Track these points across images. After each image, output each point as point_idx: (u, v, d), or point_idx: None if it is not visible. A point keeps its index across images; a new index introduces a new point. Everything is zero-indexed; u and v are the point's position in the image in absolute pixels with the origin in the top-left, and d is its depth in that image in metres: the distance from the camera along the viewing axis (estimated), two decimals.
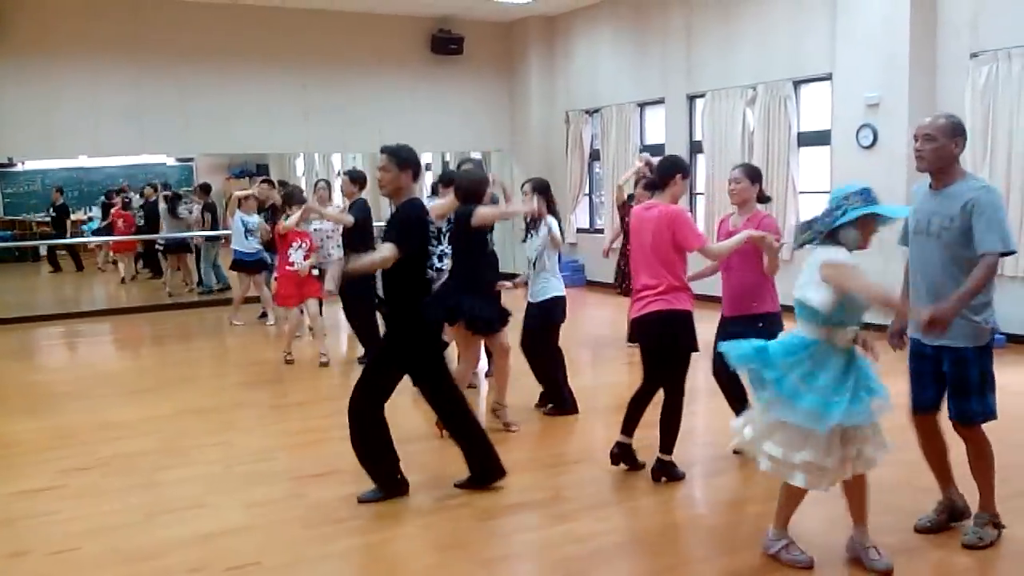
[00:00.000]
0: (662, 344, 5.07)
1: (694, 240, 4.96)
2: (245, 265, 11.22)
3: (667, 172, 5.16)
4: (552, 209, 6.63)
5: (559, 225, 6.58)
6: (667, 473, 5.12)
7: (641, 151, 11.50)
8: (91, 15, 12.20)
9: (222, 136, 13.39)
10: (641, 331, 5.20)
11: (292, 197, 8.94)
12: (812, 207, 10.76)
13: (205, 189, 14.81)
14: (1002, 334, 8.68)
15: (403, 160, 4.80)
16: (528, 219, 6.61)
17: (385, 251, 4.68)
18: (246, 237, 11.05)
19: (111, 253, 17.57)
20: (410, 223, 4.77)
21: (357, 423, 4.84)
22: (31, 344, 11.06)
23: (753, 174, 5.46)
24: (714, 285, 5.54)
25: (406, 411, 6.62)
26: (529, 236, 6.58)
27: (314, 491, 5.10)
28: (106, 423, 6.75)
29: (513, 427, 6.24)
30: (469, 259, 6.11)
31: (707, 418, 6.45)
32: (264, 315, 11.33)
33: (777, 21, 10.86)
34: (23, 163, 22.26)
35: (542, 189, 6.62)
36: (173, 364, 9.36)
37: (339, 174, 8.41)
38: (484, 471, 5.04)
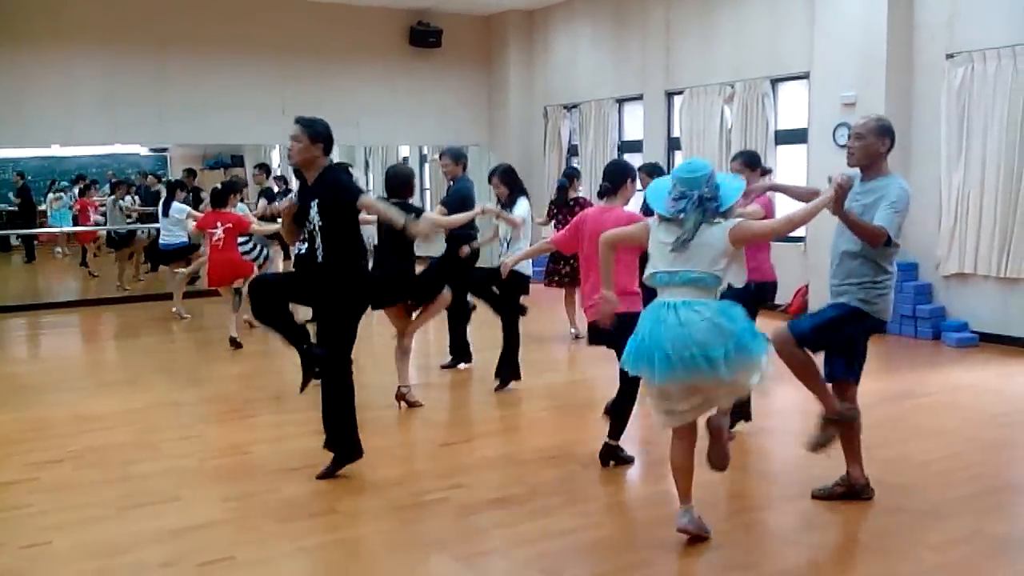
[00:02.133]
0: (618, 344, 5.14)
1: None
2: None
3: (618, 177, 5.37)
4: (522, 190, 7.25)
5: (528, 205, 7.21)
6: (614, 456, 5.30)
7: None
8: (64, 2, 12.03)
9: (197, 126, 13.23)
10: (604, 333, 5.22)
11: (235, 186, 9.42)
12: (788, 205, 10.84)
13: (191, 174, 14.72)
14: (974, 333, 8.79)
15: (316, 133, 4.90)
16: (500, 200, 7.20)
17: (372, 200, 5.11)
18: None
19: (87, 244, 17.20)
20: (345, 183, 5.00)
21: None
22: (2, 335, 10.90)
23: (751, 162, 5.94)
24: None
25: (382, 404, 6.59)
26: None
27: (288, 486, 5.06)
28: (78, 416, 6.67)
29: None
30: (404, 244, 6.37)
31: None
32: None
33: (756, 19, 10.89)
34: None
35: (508, 174, 7.29)
36: (146, 356, 9.26)
37: (439, 155, 8.18)
38: (347, 451, 5.11)
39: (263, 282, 5.30)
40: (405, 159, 18.42)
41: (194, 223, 10.01)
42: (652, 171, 8.67)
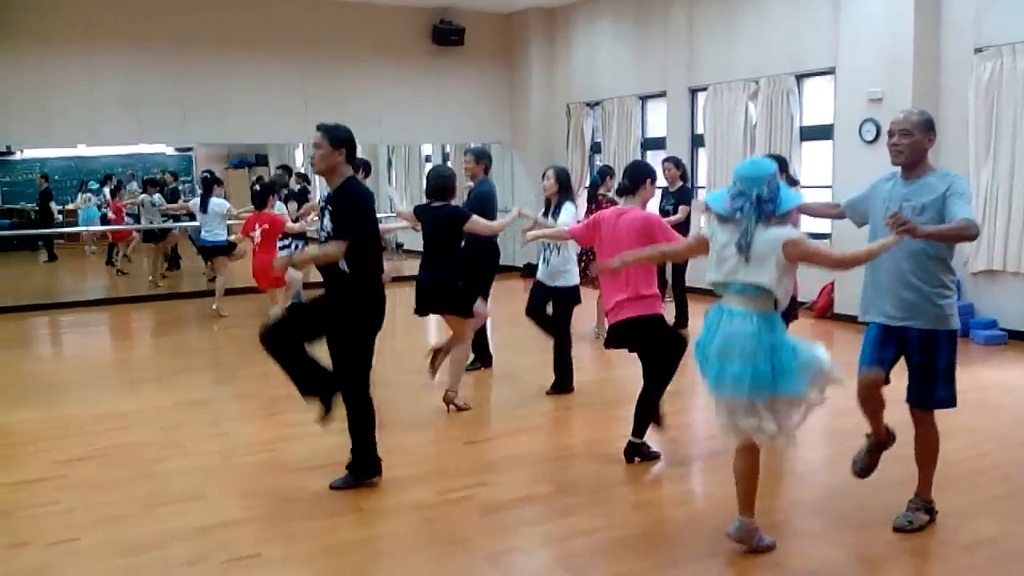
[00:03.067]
0: (642, 347, 5.27)
1: (674, 240, 5.16)
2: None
3: (638, 177, 5.35)
4: (571, 196, 7.15)
5: (575, 212, 7.06)
6: (639, 453, 5.30)
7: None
8: (88, 2, 12.13)
9: (221, 126, 13.31)
10: (624, 337, 5.28)
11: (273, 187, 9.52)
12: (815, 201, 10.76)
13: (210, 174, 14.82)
14: (1003, 331, 8.68)
15: (337, 138, 4.83)
16: (547, 196, 7.14)
17: (330, 248, 4.76)
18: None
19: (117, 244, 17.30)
20: (353, 208, 4.82)
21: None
22: (28, 333, 11.01)
23: (779, 165, 5.65)
24: None
25: (407, 402, 6.60)
26: (551, 218, 6.98)
27: (314, 483, 5.07)
28: (104, 414, 6.72)
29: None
30: (451, 249, 6.41)
31: (709, 413, 6.40)
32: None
33: (779, 15, 10.81)
34: (21, 152, 22.15)
35: (564, 176, 7.21)
36: (171, 354, 9.32)
37: (464, 153, 8.05)
38: (364, 469, 5.02)
39: (274, 333, 4.97)
40: (428, 157, 18.48)
41: (239, 223, 10.11)
42: (679, 163, 8.84)
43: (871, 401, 4.32)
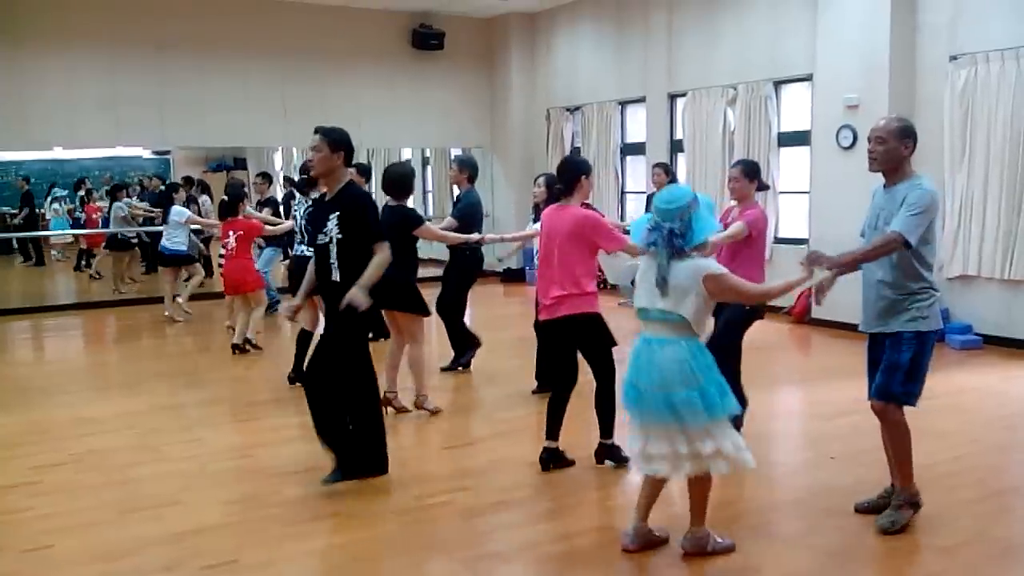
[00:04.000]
0: (585, 344, 5.22)
1: (614, 242, 5.07)
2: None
3: (572, 175, 5.19)
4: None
5: None
6: (611, 456, 5.28)
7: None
8: (66, 3, 12.03)
9: (200, 129, 13.23)
10: (553, 334, 5.26)
11: (241, 193, 9.42)
12: (791, 207, 10.84)
13: (188, 181, 14.79)
14: (978, 335, 8.76)
15: (335, 141, 4.85)
16: (536, 202, 7.10)
17: (381, 259, 4.80)
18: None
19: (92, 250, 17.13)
20: (368, 208, 4.89)
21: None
22: (2, 338, 10.89)
23: (750, 170, 5.76)
24: None
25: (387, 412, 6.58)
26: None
27: (290, 489, 5.05)
28: (79, 418, 6.66)
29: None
30: (405, 251, 6.29)
31: None
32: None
33: (758, 21, 10.88)
34: None
35: (550, 184, 7.01)
36: (144, 359, 9.25)
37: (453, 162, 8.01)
38: (373, 461, 5.11)
39: (313, 374, 5.03)
40: (407, 161, 18.44)
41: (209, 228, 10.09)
42: (668, 169, 8.83)
43: (895, 429, 4.30)
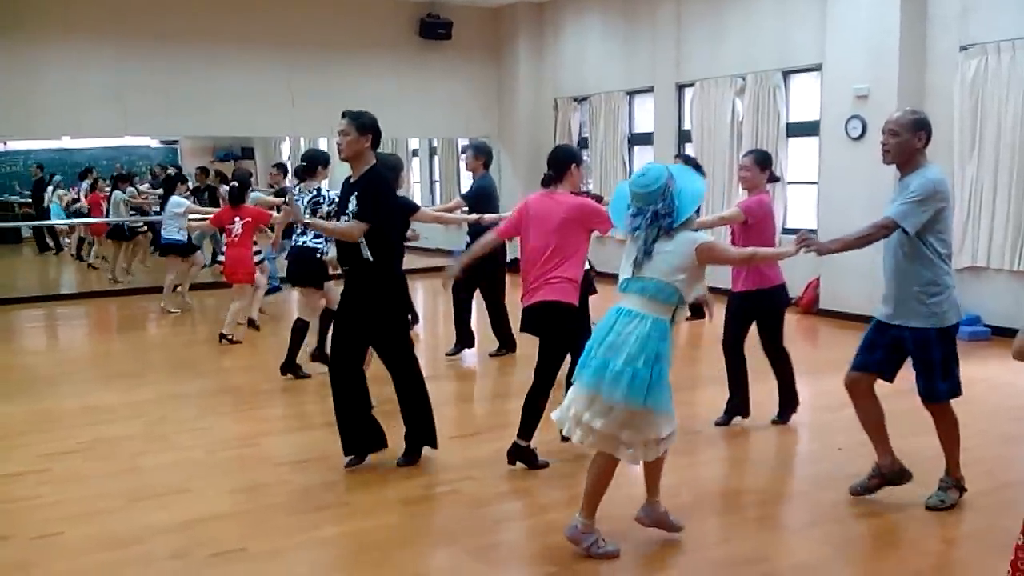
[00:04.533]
0: (548, 333, 5.07)
1: (608, 224, 4.90)
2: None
3: (562, 163, 5.10)
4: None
5: None
6: (524, 458, 5.16)
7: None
8: None
9: (207, 119, 13.22)
10: (534, 321, 5.09)
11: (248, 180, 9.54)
12: (800, 198, 10.82)
13: (204, 172, 14.81)
14: (987, 326, 8.73)
15: (363, 125, 4.90)
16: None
17: (350, 227, 4.84)
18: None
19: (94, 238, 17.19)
20: (378, 194, 4.90)
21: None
22: (12, 327, 10.93)
23: (762, 160, 5.76)
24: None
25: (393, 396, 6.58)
26: None
27: (298, 477, 5.06)
28: (88, 407, 6.69)
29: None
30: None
31: (696, 407, 6.42)
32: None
33: (767, 11, 10.83)
34: (5, 143, 21.98)
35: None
36: (152, 348, 9.28)
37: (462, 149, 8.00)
38: (421, 440, 5.22)
39: (338, 361, 5.10)
40: (415, 152, 18.46)
41: (206, 219, 10.11)
42: (689, 159, 8.69)
43: (859, 407, 4.47)
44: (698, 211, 3.99)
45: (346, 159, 5.00)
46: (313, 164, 7.53)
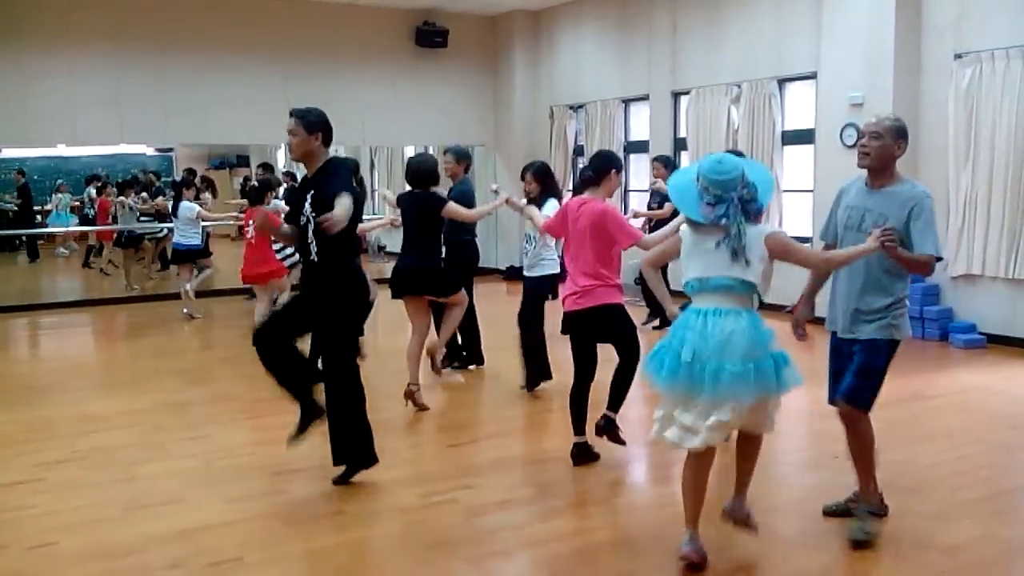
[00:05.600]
0: (609, 336, 5.23)
1: (629, 237, 5.11)
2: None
3: (602, 167, 5.25)
4: (554, 191, 7.04)
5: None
6: (609, 431, 5.31)
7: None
8: (70, 1, 12.03)
9: (202, 126, 13.22)
10: (577, 326, 5.24)
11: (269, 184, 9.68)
12: (795, 206, 10.84)
13: (191, 173, 14.84)
14: (982, 334, 8.75)
15: (310, 123, 4.75)
16: (530, 197, 6.97)
17: (344, 207, 4.55)
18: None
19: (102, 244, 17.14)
20: (343, 176, 4.82)
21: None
22: (5, 335, 10.91)
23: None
24: None
25: (390, 404, 6.57)
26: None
27: (295, 487, 5.05)
28: (83, 416, 6.67)
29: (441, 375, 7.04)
30: (430, 235, 6.54)
31: None
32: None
33: (763, 19, 10.87)
34: None
35: (542, 173, 7.05)
36: (150, 356, 9.26)
37: (444, 152, 7.86)
38: (360, 457, 5.01)
39: (263, 332, 4.93)
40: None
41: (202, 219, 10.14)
42: (668, 162, 8.83)
43: (860, 436, 4.23)
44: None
45: (296, 159, 4.94)
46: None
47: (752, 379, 3.66)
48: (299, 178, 12.19)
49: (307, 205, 4.78)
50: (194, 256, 11.36)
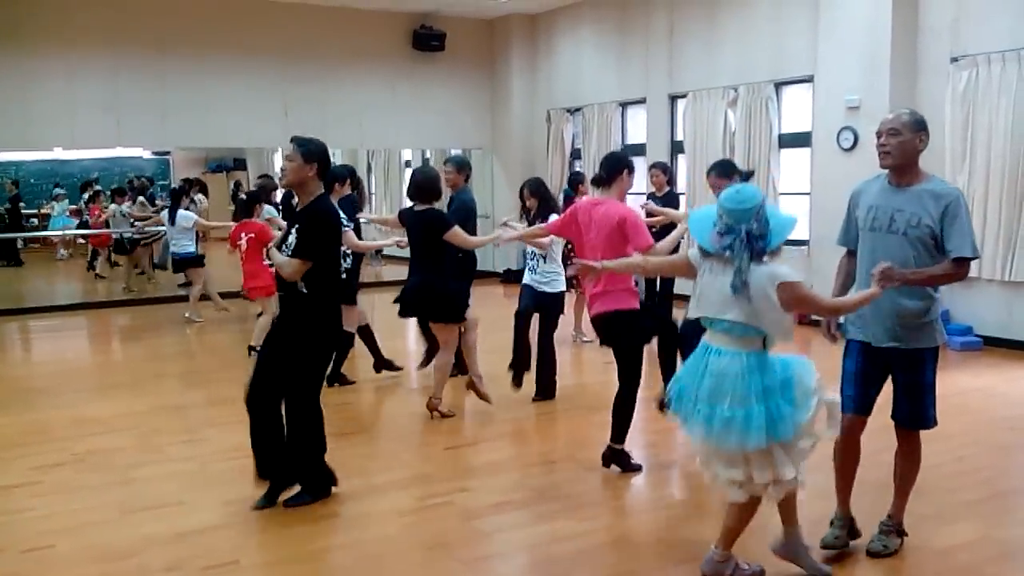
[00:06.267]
0: (617, 342, 5.21)
1: (644, 242, 5.06)
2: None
3: (614, 168, 5.24)
4: (553, 207, 7.11)
5: None
6: (619, 462, 5.22)
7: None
8: (67, 5, 12.03)
9: (200, 129, 13.23)
10: (599, 330, 5.28)
11: (258, 195, 9.51)
12: (792, 209, 10.83)
13: (188, 182, 14.86)
14: (979, 336, 8.76)
15: (308, 152, 4.67)
16: (530, 213, 7.09)
17: (290, 266, 4.57)
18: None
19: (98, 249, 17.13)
20: (320, 230, 4.67)
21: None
22: (3, 338, 10.89)
23: (724, 171, 5.70)
24: None
25: (388, 408, 6.58)
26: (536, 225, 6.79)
27: (292, 489, 5.03)
28: (80, 419, 6.66)
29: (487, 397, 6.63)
30: (437, 254, 6.35)
31: None
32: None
33: (759, 23, 10.88)
34: None
35: (541, 188, 7.18)
36: (146, 359, 9.24)
37: (444, 162, 7.75)
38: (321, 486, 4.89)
39: (252, 394, 4.80)
40: (407, 163, 18.46)
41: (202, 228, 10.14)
42: (666, 169, 8.74)
43: (850, 452, 4.10)
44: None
45: (287, 186, 4.91)
46: (330, 181, 7.42)
47: (739, 427, 3.48)
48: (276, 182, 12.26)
49: (292, 238, 4.70)
50: (189, 264, 11.33)
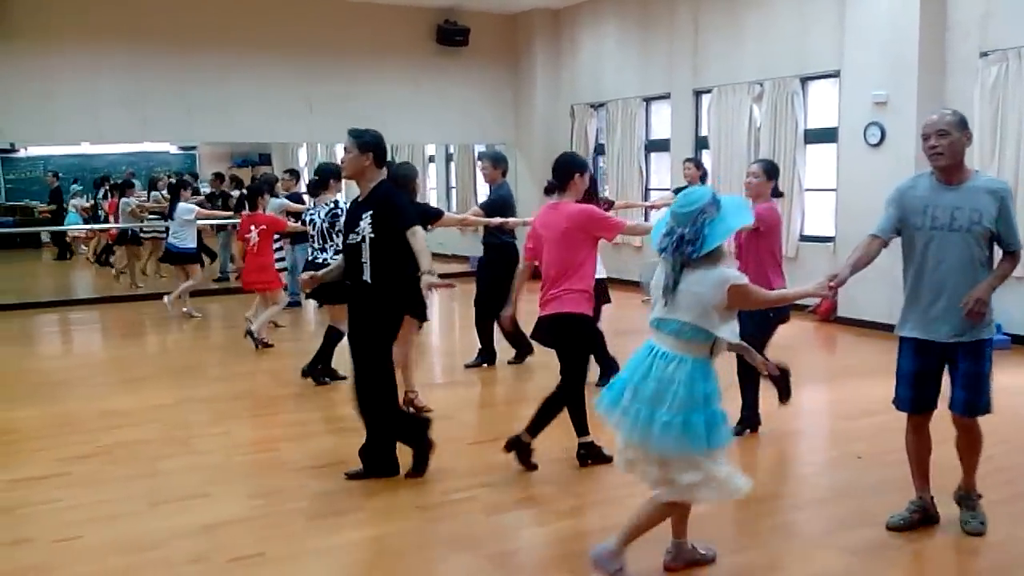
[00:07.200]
0: (563, 345, 5.15)
1: (613, 229, 5.09)
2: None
3: (565, 173, 5.14)
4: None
5: None
6: (591, 455, 5.22)
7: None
8: (92, 0, 12.14)
9: (225, 125, 13.32)
10: (544, 332, 5.20)
11: (261, 188, 9.60)
12: (818, 205, 10.77)
13: (219, 177, 14.91)
14: (1007, 335, 8.67)
15: (364, 143, 4.84)
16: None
17: (414, 234, 4.75)
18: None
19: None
20: (397, 198, 4.89)
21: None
22: (31, 331, 11.03)
23: (770, 170, 5.67)
24: None
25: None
26: None
27: (316, 482, 5.07)
28: (107, 411, 6.73)
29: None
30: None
31: None
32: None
33: (785, 17, 10.80)
34: (25, 149, 22.19)
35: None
36: (173, 352, 9.33)
37: (479, 157, 7.75)
38: (382, 464, 5.05)
39: (358, 396, 5.04)
40: (431, 158, 18.52)
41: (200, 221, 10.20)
42: (699, 164, 8.80)
43: (921, 445, 4.21)
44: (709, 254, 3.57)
45: (348, 177, 5.05)
46: (325, 178, 7.50)
47: (677, 432, 3.47)
48: (301, 175, 12.30)
49: (366, 224, 4.81)
50: (186, 260, 11.31)
